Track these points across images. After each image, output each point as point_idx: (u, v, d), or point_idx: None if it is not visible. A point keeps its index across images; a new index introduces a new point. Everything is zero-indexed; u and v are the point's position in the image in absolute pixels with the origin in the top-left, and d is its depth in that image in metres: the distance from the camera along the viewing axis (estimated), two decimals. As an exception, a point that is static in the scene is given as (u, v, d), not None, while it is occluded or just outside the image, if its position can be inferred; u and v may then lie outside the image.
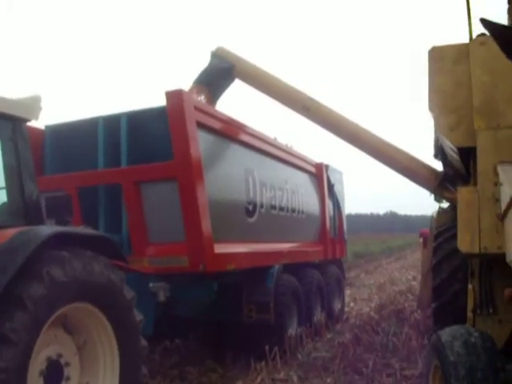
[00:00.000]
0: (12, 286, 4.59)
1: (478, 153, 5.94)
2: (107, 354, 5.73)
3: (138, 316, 6.02)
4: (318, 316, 12.45)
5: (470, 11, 6.89)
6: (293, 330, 10.79)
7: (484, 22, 4.38)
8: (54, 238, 5.12)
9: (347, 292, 18.68)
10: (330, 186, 14.43)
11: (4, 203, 5.77)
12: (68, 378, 5.39)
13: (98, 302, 5.52)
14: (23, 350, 4.55)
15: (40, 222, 5.80)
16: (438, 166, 10.11)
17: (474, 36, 6.88)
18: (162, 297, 7.95)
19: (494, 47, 6.38)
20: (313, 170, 13.40)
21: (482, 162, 5.82)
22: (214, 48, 11.64)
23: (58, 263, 5.00)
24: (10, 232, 5.13)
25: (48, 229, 5.32)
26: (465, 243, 5.57)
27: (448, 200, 9.67)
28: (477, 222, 5.51)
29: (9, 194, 5.74)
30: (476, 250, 5.50)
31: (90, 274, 5.35)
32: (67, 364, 5.41)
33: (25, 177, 5.73)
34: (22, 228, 5.27)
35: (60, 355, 5.33)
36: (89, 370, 5.65)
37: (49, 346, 5.21)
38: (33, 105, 5.94)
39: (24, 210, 5.69)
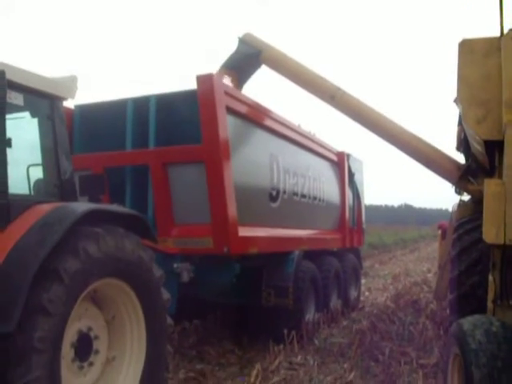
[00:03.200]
0: (49, 259, 4.74)
1: (506, 146, 5.99)
2: (134, 330, 5.89)
3: (166, 294, 6.17)
4: (335, 303, 12.61)
5: (502, 5, 6.92)
6: (310, 315, 10.97)
7: None
8: (88, 215, 5.26)
9: (362, 281, 18.77)
10: (351, 175, 14.51)
11: (40, 179, 5.91)
12: (97, 352, 5.56)
13: (128, 279, 5.66)
14: (59, 321, 4.71)
15: (73, 198, 5.94)
16: (460, 158, 10.15)
17: (505, 30, 6.92)
18: (185, 277, 8.09)
19: (527, 42, 6.46)
20: (335, 158, 13.46)
21: (510, 156, 5.87)
22: (241, 34, 11.69)
23: (92, 239, 5.14)
24: (46, 207, 5.28)
25: (83, 205, 5.46)
26: (490, 234, 5.65)
27: (470, 193, 9.67)
28: (503, 214, 5.58)
29: (45, 171, 5.89)
30: (501, 241, 5.58)
31: (122, 251, 5.49)
32: (96, 337, 5.57)
33: (61, 154, 5.86)
34: (58, 204, 5.42)
35: (90, 328, 5.50)
36: (116, 344, 5.81)
37: (80, 320, 5.36)
38: (70, 84, 6.07)
39: (59, 187, 5.82)
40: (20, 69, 5.41)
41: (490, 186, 5.81)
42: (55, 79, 5.97)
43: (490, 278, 6.39)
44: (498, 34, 7.00)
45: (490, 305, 6.32)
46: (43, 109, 5.81)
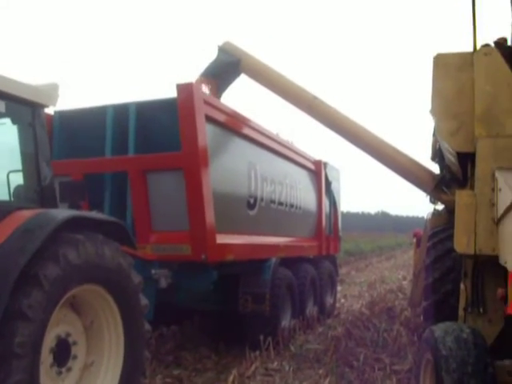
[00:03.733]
0: (29, 265, 4.79)
1: (477, 159, 6.18)
2: (113, 336, 5.94)
3: (144, 300, 6.24)
4: (311, 310, 12.73)
5: (476, 22, 7.12)
6: (286, 321, 11.05)
7: (498, 45, 4.65)
8: (69, 222, 5.33)
9: (338, 288, 18.93)
10: (328, 184, 14.67)
11: (20, 185, 5.95)
12: (75, 357, 5.61)
13: (107, 285, 5.72)
14: (38, 327, 4.76)
15: (54, 205, 6.00)
16: (435, 168, 10.33)
17: (478, 46, 7.11)
18: (163, 283, 8.15)
19: (498, 58, 6.67)
20: (312, 166, 13.61)
21: (481, 168, 6.07)
22: (221, 42, 11.80)
23: (72, 246, 5.21)
24: (27, 214, 5.33)
25: (64, 212, 5.52)
26: (461, 244, 5.84)
27: (443, 202, 9.87)
28: (473, 224, 5.77)
29: (25, 177, 5.93)
30: (471, 251, 5.76)
31: (102, 258, 5.55)
32: (75, 343, 5.62)
33: (41, 161, 5.91)
34: (39, 210, 5.47)
35: (68, 334, 5.54)
36: (95, 349, 5.86)
37: (58, 325, 5.41)
38: (51, 92, 6.13)
39: (39, 193, 5.87)
40: (2, 76, 5.46)
41: (461, 197, 6.00)
42: (37, 87, 6.03)
43: (462, 286, 6.56)
44: (471, 49, 7.19)
45: (461, 312, 6.50)
46: (24, 116, 5.86)
